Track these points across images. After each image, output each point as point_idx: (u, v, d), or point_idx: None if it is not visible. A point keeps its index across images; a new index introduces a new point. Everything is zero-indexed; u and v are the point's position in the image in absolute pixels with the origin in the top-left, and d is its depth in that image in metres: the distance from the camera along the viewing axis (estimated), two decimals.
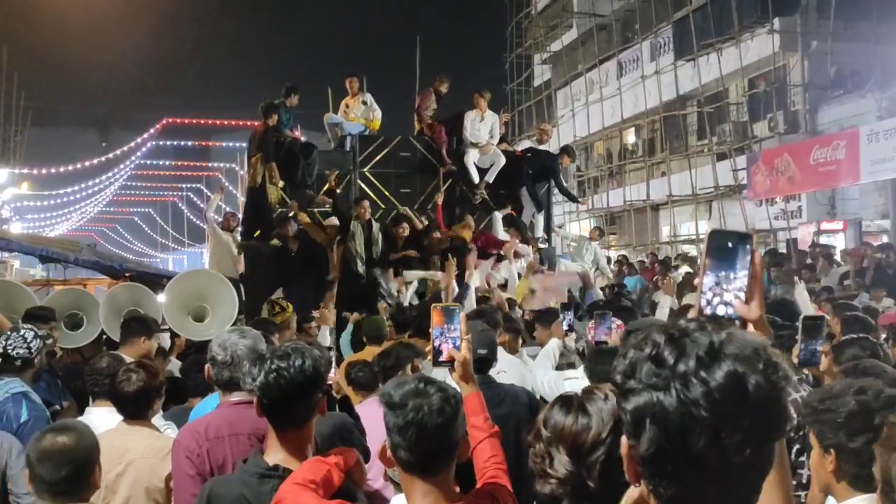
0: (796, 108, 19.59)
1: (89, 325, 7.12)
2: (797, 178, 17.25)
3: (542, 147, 12.77)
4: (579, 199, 12.48)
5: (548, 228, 12.71)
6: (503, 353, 5.13)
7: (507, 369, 4.92)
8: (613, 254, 22.55)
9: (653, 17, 23.43)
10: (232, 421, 3.18)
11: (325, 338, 6.96)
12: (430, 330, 2.80)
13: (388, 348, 5.15)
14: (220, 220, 12.05)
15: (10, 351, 4.38)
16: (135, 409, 3.71)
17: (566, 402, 1.73)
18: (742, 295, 1.35)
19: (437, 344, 2.74)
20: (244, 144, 13.74)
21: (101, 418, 3.92)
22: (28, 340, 4.43)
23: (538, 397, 4.78)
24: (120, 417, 3.78)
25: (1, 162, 36.45)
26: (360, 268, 10.14)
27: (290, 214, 10.73)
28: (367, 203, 10.55)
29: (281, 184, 11.01)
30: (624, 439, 1.26)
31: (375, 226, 10.46)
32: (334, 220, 10.66)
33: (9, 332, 4.50)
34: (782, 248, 16.78)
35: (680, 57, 22.41)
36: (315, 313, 7.55)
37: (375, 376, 4.67)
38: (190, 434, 3.19)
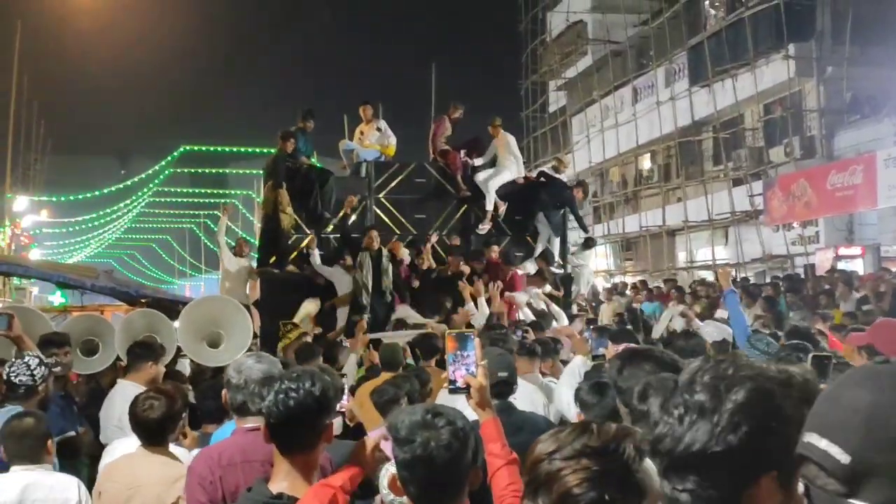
0: (812, 134, 19.53)
1: (105, 351, 7.12)
2: (814, 203, 17.16)
3: (556, 175, 12.79)
4: (588, 231, 12.70)
5: (563, 255, 12.68)
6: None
7: (517, 395, 4.90)
8: (630, 279, 22.49)
9: (667, 43, 23.51)
10: (245, 448, 3.17)
11: (352, 366, 6.92)
12: (445, 356, 2.78)
13: (408, 375, 5.15)
14: (234, 245, 12.11)
15: (13, 378, 4.33)
16: (158, 437, 3.73)
17: (552, 430, 1.76)
18: None
19: (451, 370, 2.71)
20: (261, 171, 13.86)
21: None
22: (31, 368, 4.38)
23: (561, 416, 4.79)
24: None
25: (21, 189, 36.83)
26: (365, 299, 10.10)
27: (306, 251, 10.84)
28: (374, 233, 10.53)
29: (289, 210, 11.09)
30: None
31: (385, 255, 10.44)
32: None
33: (13, 360, 4.47)
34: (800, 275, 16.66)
35: (695, 83, 22.44)
36: (346, 342, 7.56)
37: (400, 401, 4.68)
38: (203, 461, 3.18)
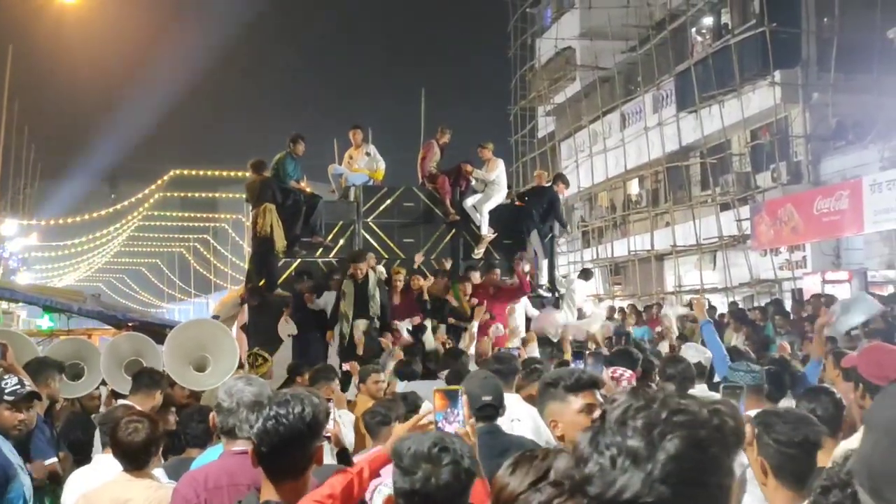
0: (799, 159, 19.67)
1: (90, 375, 7.10)
2: (801, 228, 17.25)
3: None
4: (566, 226, 12.59)
5: (552, 278, 12.73)
6: (520, 400, 5.11)
7: (521, 417, 4.88)
8: (619, 303, 22.52)
9: (655, 69, 23.71)
10: (232, 471, 3.15)
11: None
12: (433, 414, 2.77)
13: (395, 397, 5.17)
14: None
15: None
16: (142, 460, 3.72)
17: (515, 457, 1.77)
18: None
19: (440, 428, 2.69)
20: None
21: (112, 466, 3.89)
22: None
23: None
24: None
25: (10, 214, 36.73)
26: (346, 327, 10.11)
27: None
28: (363, 266, 10.37)
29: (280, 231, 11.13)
30: None
31: (372, 279, 10.39)
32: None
33: None
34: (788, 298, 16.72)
35: (682, 109, 22.61)
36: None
37: (390, 423, 4.69)
38: (189, 483, 3.17)
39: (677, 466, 1.16)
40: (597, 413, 3.23)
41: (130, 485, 3.66)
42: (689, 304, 11.98)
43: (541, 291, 12.32)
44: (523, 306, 11.34)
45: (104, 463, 4.04)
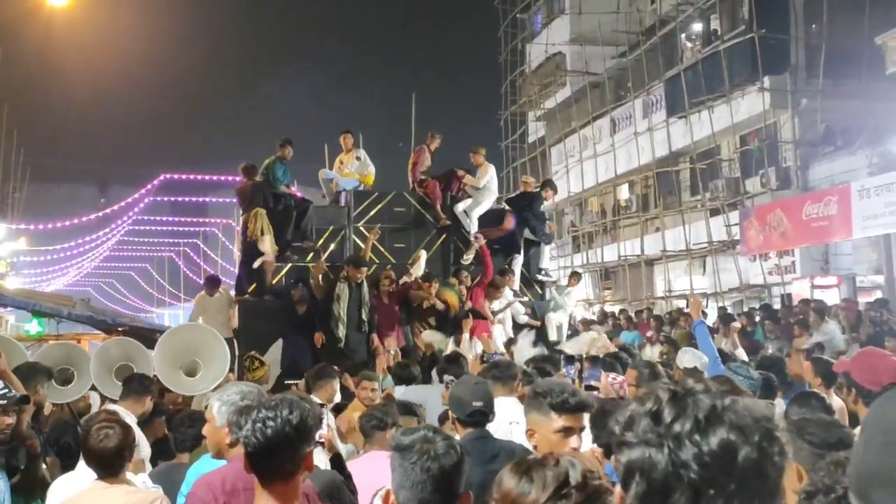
0: (788, 165, 19.77)
1: (80, 380, 7.07)
2: (790, 233, 17.33)
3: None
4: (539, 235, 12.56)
5: (540, 281, 12.76)
6: (518, 403, 5.10)
7: (520, 420, 4.88)
8: (609, 308, 22.57)
9: (645, 75, 23.79)
10: (247, 475, 3.15)
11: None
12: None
13: (390, 404, 5.16)
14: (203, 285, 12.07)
15: None
16: (116, 467, 3.67)
17: (518, 465, 1.76)
18: None
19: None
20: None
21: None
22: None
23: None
24: None
25: None
26: (341, 332, 10.08)
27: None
28: (364, 270, 10.48)
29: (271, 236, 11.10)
30: (618, 489, 1.27)
31: (365, 287, 10.41)
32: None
33: None
34: (777, 304, 16.79)
35: (672, 114, 22.68)
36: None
37: (386, 428, 4.69)
38: (206, 487, 3.14)
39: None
40: (574, 437, 3.20)
41: (106, 492, 3.60)
42: (687, 301, 12.01)
43: (539, 276, 12.45)
44: (508, 311, 11.39)
45: (88, 470, 4.00)
